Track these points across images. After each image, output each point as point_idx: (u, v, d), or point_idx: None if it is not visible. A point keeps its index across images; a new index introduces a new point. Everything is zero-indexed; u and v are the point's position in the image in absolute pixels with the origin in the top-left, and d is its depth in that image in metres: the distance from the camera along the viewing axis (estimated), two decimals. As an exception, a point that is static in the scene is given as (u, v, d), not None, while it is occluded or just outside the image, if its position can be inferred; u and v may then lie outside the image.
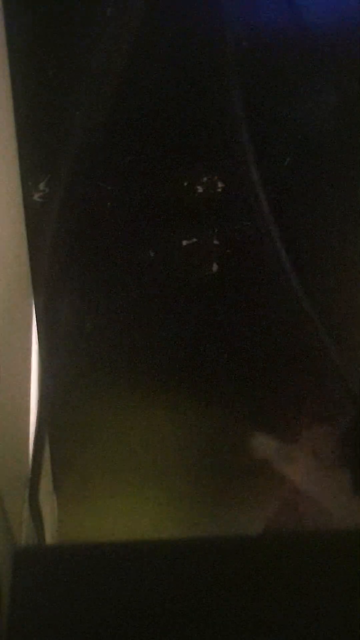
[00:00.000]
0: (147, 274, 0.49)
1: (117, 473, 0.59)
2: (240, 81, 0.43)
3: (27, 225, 0.45)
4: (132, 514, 0.62)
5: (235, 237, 0.49)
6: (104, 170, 0.45)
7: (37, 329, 0.47)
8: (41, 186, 0.44)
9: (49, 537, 0.46)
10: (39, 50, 0.40)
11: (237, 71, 0.42)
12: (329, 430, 0.52)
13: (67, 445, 0.57)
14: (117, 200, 0.46)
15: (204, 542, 0.31)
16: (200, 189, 0.46)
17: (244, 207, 0.48)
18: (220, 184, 0.46)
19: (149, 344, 0.52)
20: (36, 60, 0.41)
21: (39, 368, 0.47)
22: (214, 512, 0.64)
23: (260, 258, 0.50)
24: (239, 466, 0.61)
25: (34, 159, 0.43)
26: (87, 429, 0.56)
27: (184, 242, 0.48)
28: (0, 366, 0.31)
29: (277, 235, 0.39)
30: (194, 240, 0.48)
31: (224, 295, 0.51)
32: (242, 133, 0.39)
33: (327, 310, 0.53)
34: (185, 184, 0.46)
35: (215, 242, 0.49)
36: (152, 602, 0.29)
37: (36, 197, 0.44)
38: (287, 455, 0.53)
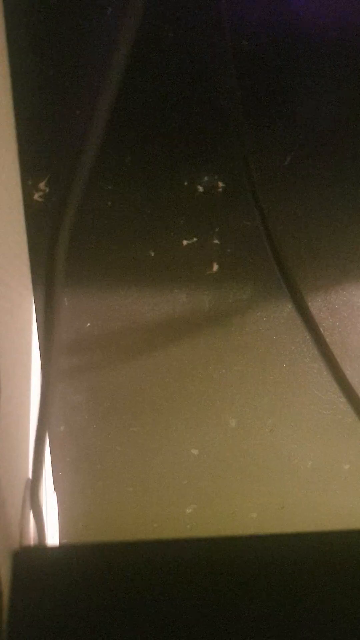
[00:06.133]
0: (147, 274, 0.49)
1: (117, 473, 0.59)
2: (240, 81, 0.43)
3: (27, 225, 0.45)
4: (132, 513, 0.62)
5: (235, 237, 0.49)
6: (104, 170, 0.45)
7: (37, 329, 0.47)
8: (41, 186, 0.44)
9: (49, 537, 0.46)
10: (39, 50, 0.40)
11: (237, 71, 0.42)
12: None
13: (67, 445, 0.57)
14: (117, 200, 0.46)
15: (204, 542, 0.31)
16: (200, 189, 0.46)
17: (244, 207, 0.48)
18: (220, 184, 0.46)
19: (149, 343, 0.52)
20: (36, 60, 0.41)
21: (39, 368, 0.47)
22: (214, 511, 0.64)
23: (260, 258, 0.50)
24: (242, 465, 0.61)
25: (34, 159, 0.43)
26: (87, 430, 0.56)
27: (184, 242, 0.48)
28: (0, 366, 0.31)
29: (277, 235, 0.39)
30: (194, 240, 0.48)
31: (224, 295, 0.51)
32: (242, 133, 0.39)
33: (327, 310, 0.53)
34: (186, 183, 0.46)
35: (216, 241, 0.49)
36: (152, 602, 0.29)
37: (36, 196, 0.44)
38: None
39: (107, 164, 0.45)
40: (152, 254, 0.48)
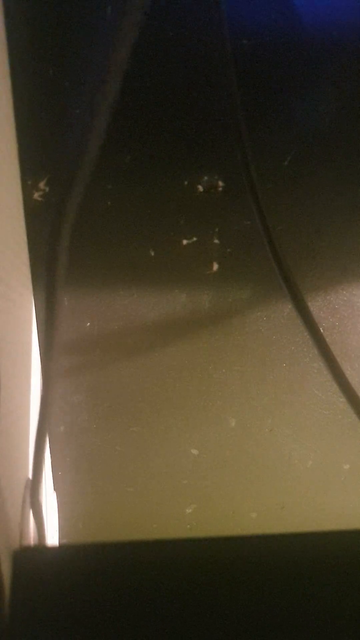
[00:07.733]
0: (147, 274, 0.49)
1: (117, 473, 0.59)
2: (240, 81, 0.43)
3: (27, 225, 0.45)
4: (132, 513, 0.62)
5: (235, 237, 0.49)
6: (104, 169, 0.45)
7: (37, 328, 0.47)
8: (41, 185, 0.44)
9: (49, 537, 0.46)
10: (39, 50, 0.40)
11: (237, 71, 0.42)
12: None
13: (67, 445, 0.57)
14: (118, 200, 0.46)
15: (204, 542, 0.31)
16: (200, 189, 0.46)
17: (244, 207, 0.48)
18: (220, 184, 0.46)
19: (149, 343, 0.52)
20: (36, 60, 0.41)
21: (39, 368, 0.47)
22: (214, 511, 0.64)
23: (260, 258, 0.50)
24: (244, 465, 0.61)
25: (34, 158, 0.43)
26: (87, 430, 0.56)
27: (185, 242, 0.48)
28: (0, 366, 0.31)
29: (277, 235, 0.39)
30: (195, 239, 0.48)
31: (224, 295, 0.51)
32: (242, 133, 0.39)
33: (327, 310, 0.53)
34: (186, 183, 0.46)
35: (216, 241, 0.48)
36: (152, 602, 0.29)
37: (36, 196, 0.44)
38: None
39: (107, 163, 0.45)
40: (152, 254, 0.48)
